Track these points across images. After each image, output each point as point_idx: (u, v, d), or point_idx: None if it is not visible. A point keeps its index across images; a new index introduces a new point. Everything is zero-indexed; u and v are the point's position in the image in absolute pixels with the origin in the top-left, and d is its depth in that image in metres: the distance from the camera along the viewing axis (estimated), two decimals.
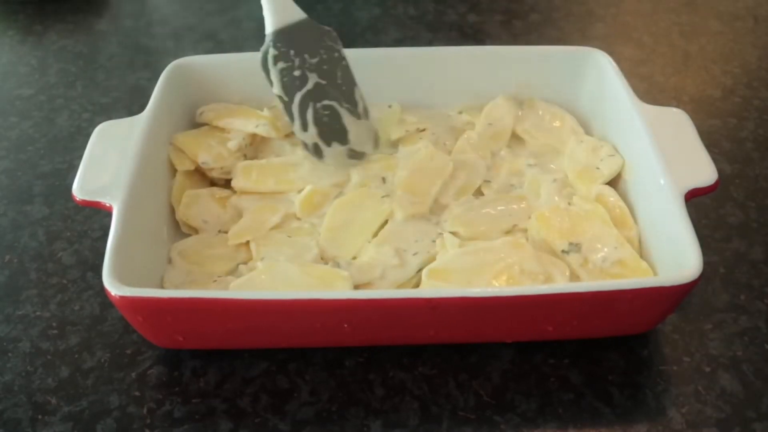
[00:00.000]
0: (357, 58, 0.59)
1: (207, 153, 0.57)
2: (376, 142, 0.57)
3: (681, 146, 0.51)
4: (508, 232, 0.53)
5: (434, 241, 0.52)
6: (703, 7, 0.85)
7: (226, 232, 0.53)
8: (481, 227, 0.53)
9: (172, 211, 0.55)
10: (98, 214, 0.58)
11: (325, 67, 0.55)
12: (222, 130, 0.59)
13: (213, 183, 0.58)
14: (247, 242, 0.53)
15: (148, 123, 0.53)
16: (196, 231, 0.54)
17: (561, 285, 0.47)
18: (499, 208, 0.54)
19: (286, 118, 0.56)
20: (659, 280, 0.45)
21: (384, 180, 0.56)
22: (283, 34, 0.53)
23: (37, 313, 0.52)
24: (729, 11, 0.84)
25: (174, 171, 0.56)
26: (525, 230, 0.53)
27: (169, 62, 0.59)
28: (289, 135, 0.60)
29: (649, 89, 0.72)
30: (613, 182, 0.55)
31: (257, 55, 0.61)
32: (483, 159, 0.58)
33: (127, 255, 0.45)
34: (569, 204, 0.54)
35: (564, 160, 0.57)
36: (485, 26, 0.82)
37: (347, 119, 0.56)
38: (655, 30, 0.81)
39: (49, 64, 0.77)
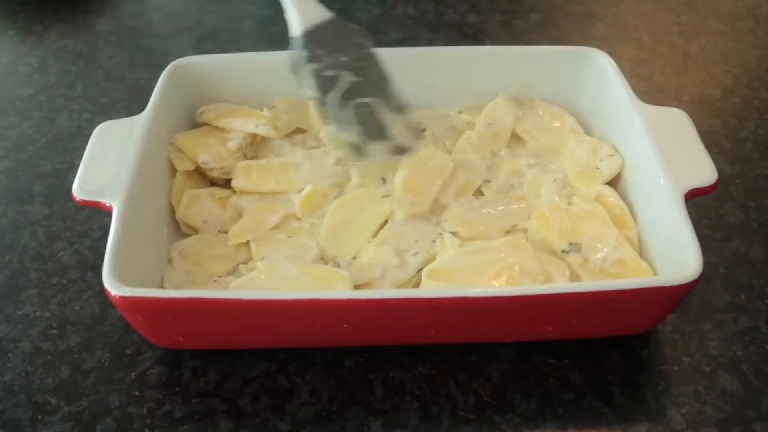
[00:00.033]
0: None
1: (207, 153, 0.57)
2: (416, 134, 0.56)
3: (681, 146, 0.51)
4: (508, 232, 0.53)
5: (434, 241, 0.52)
6: (703, 7, 0.85)
7: (226, 232, 0.53)
8: (481, 227, 0.53)
9: (172, 211, 0.55)
10: (98, 214, 0.58)
11: (357, 64, 0.53)
12: (222, 130, 0.59)
13: (213, 183, 0.58)
14: (247, 242, 0.53)
15: (148, 123, 0.53)
16: (196, 231, 0.54)
17: (561, 285, 0.47)
18: (499, 208, 0.54)
19: (322, 121, 0.54)
20: (659, 280, 0.45)
21: (384, 180, 0.56)
22: (313, 35, 0.52)
23: (37, 313, 0.52)
24: (729, 11, 0.84)
25: (174, 171, 0.56)
26: (525, 230, 0.53)
27: (169, 62, 0.59)
28: (289, 135, 0.60)
29: (649, 89, 0.72)
30: (613, 182, 0.55)
31: (257, 55, 0.61)
32: (483, 159, 0.58)
33: (127, 255, 0.45)
34: (569, 204, 0.54)
35: (564, 160, 0.57)
36: (485, 26, 0.82)
37: (387, 115, 0.54)
38: (655, 30, 0.81)
39: (49, 64, 0.77)
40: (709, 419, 0.46)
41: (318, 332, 0.46)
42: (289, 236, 0.53)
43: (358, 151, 0.54)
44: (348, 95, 0.53)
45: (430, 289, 0.48)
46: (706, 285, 0.53)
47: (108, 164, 0.50)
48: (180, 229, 0.55)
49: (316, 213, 0.54)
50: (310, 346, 0.49)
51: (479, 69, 0.60)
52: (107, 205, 0.48)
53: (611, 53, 0.59)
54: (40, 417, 0.46)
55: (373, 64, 0.54)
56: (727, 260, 0.55)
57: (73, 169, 0.59)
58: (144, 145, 0.52)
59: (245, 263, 0.52)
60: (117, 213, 0.47)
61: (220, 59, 0.61)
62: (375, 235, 0.53)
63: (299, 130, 0.60)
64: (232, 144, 0.58)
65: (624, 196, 0.54)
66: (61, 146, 0.66)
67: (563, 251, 0.50)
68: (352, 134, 0.53)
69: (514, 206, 0.54)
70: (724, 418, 0.46)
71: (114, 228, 0.46)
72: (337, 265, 0.51)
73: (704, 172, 0.49)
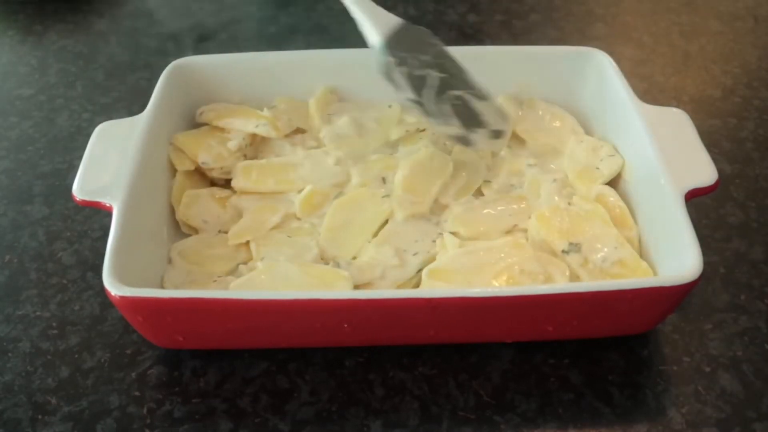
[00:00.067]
0: (357, 58, 0.59)
1: (207, 153, 0.57)
2: (505, 118, 0.57)
3: (681, 146, 0.51)
4: (508, 232, 0.53)
5: (434, 241, 0.52)
6: (703, 7, 0.85)
7: (226, 232, 0.53)
8: (481, 227, 0.53)
9: (172, 211, 0.55)
10: (98, 214, 0.58)
11: (437, 61, 0.55)
12: (222, 130, 0.59)
13: (213, 183, 0.58)
14: (247, 242, 0.53)
15: (148, 123, 0.53)
16: (196, 231, 0.54)
17: (561, 285, 0.47)
18: (499, 208, 0.54)
19: (426, 120, 0.55)
20: (659, 280, 0.45)
21: (384, 180, 0.56)
22: (392, 41, 0.53)
23: (37, 313, 0.52)
24: (729, 11, 0.84)
25: (174, 171, 0.56)
26: (525, 230, 0.53)
27: (169, 62, 0.59)
28: (289, 135, 0.60)
29: (649, 89, 0.72)
30: (613, 182, 0.55)
31: (257, 55, 0.61)
32: (483, 159, 0.58)
33: (127, 255, 0.45)
34: (569, 204, 0.54)
35: (564, 160, 0.57)
36: (485, 26, 0.82)
37: (476, 103, 0.55)
38: (655, 30, 0.81)
39: (49, 64, 0.77)
40: (709, 419, 0.46)
41: (318, 332, 0.46)
42: (289, 236, 0.53)
43: (465, 142, 0.55)
44: (440, 91, 0.54)
45: (430, 289, 0.48)
46: (706, 285, 0.53)
47: (108, 164, 0.50)
48: (180, 229, 0.55)
49: (316, 213, 0.54)
50: (310, 346, 0.49)
51: (479, 69, 0.59)
52: (107, 205, 0.48)
53: (611, 53, 0.59)
54: (40, 417, 0.46)
55: (450, 58, 0.55)
56: (727, 260, 0.55)
57: (73, 169, 0.59)
58: (144, 145, 0.52)
59: (245, 263, 0.52)
60: (117, 213, 0.47)
61: (220, 59, 0.61)
62: (375, 235, 0.53)
63: (299, 130, 0.60)
64: (232, 144, 0.58)
65: (624, 196, 0.53)
66: (61, 146, 0.66)
67: (563, 251, 0.50)
68: (454, 127, 0.54)
69: (514, 206, 0.54)
70: (724, 418, 0.46)
71: (114, 228, 0.46)
72: (337, 265, 0.51)
73: (704, 172, 0.49)
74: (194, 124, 0.60)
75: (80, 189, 0.49)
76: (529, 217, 0.53)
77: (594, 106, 0.60)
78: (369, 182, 0.56)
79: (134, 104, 0.70)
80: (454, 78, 0.55)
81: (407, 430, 0.45)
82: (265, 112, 0.59)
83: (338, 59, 0.61)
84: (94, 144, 0.52)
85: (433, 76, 0.54)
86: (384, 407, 0.46)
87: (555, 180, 0.55)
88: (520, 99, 0.61)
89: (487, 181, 0.56)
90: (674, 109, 0.55)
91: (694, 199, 0.48)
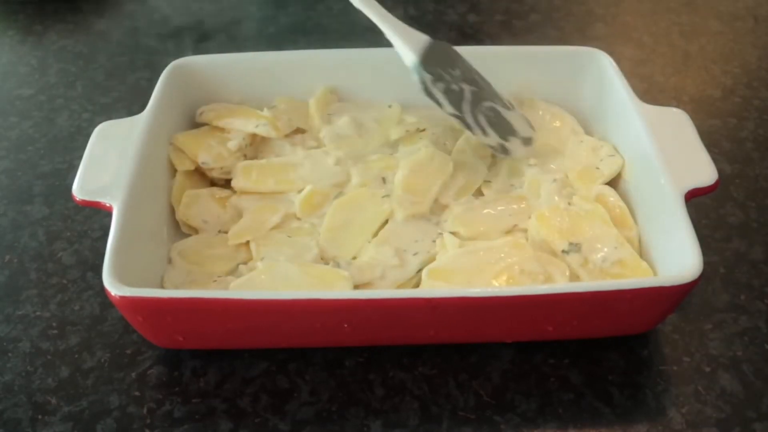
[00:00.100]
0: (357, 58, 0.59)
1: (207, 153, 0.57)
2: (530, 125, 0.58)
3: (681, 146, 0.51)
4: (508, 232, 0.53)
5: (434, 241, 0.52)
6: (703, 7, 0.85)
7: (226, 232, 0.53)
8: (481, 227, 0.53)
9: (172, 211, 0.55)
10: (98, 214, 0.58)
11: (466, 74, 0.56)
12: (222, 130, 0.59)
13: (213, 183, 0.58)
14: (247, 242, 0.53)
15: (148, 123, 0.53)
16: (196, 231, 0.54)
17: (561, 285, 0.47)
18: (499, 208, 0.54)
19: (468, 133, 0.56)
20: (659, 280, 0.45)
21: (384, 180, 0.56)
22: (426, 59, 0.54)
23: (37, 313, 0.52)
24: (729, 11, 0.84)
25: (174, 171, 0.56)
26: (525, 230, 0.53)
27: (169, 62, 0.59)
28: (289, 135, 0.60)
29: (649, 89, 0.72)
30: (613, 182, 0.55)
31: (257, 55, 0.61)
32: (483, 159, 0.58)
33: (127, 255, 0.45)
34: (569, 204, 0.54)
35: (564, 160, 0.57)
36: (485, 26, 0.82)
37: (505, 113, 0.57)
38: (655, 30, 0.81)
39: (49, 64, 0.77)
40: (709, 419, 0.46)
41: (318, 332, 0.46)
42: (289, 236, 0.53)
43: (503, 151, 0.56)
44: (475, 103, 0.55)
45: (430, 289, 0.48)
46: (706, 285, 0.53)
47: (108, 164, 0.50)
48: (180, 229, 0.55)
49: (316, 213, 0.54)
50: (310, 346, 0.49)
51: (479, 69, 0.60)
52: (107, 205, 0.48)
53: (611, 53, 0.59)
54: (40, 417, 0.46)
55: (475, 71, 0.57)
56: (727, 260, 0.55)
57: (73, 169, 0.59)
58: (144, 145, 0.52)
59: (245, 263, 0.52)
60: (117, 213, 0.47)
61: (220, 59, 0.61)
62: (375, 235, 0.53)
63: (299, 130, 0.60)
64: (232, 144, 0.58)
65: (624, 196, 0.53)
66: (61, 146, 0.66)
67: (563, 251, 0.50)
68: (493, 138, 0.56)
69: (514, 206, 0.54)
70: (724, 418, 0.46)
71: (114, 228, 0.46)
72: (337, 265, 0.51)
73: (704, 172, 0.49)
74: (194, 124, 0.60)
75: (80, 189, 0.49)
76: (529, 217, 0.53)
77: (594, 106, 0.60)
78: (369, 182, 0.56)
79: (134, 104, 0.70)
80: (483, 90, 0.56)
81: (407, 430, 0.45)
82: (265, 112, 0.59)
83: (338, 59, 0.61)
84: (94, 144, 0.52)
85: (467, 89, 0.55)
86: (384, 407, 0.46)
87: (555, 180, 0.55)
88: (520, 99, 0.61)
89: (487, 181, 0.56)
90: (674, 109, 0.55)
91: (694, 199, 0.48)
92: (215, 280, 0.51)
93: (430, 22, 0.82)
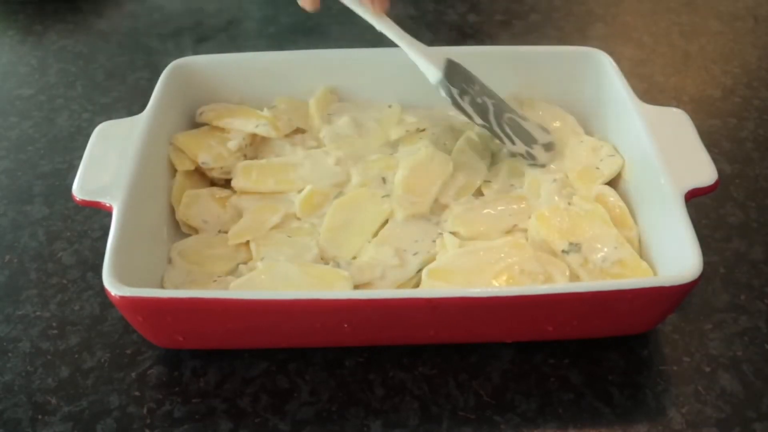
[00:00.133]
0: (357, 58, 0.59)
1: (207, 153, 0.57)
2: (547, 131, 0.59)
3: (681, 146, 0.51)
4: (508, 232, 0.53)
5: (434, 241, 0.52)
6: (703, 7, 0.85)
7: (226, 232, 0.53)
8: (481, 227, 0.53)
9: (172, 211, 0.55)
10: (98, 214, 0.58)
11: (484, 89, 0.57)
12: (222, 130, 0.59)
13: (213, 183, 0.58)
14: (247, 242, 0.53)
15: (148, 123, 0.53)
16: (196, 231, 0.54)
17: (561, 285, 0.47)
18: (499, 208, 0.54)
19: (498, 142, 0.57)
20: (659, 280, 0.45)
21: (384, 180, 0.56)
22: (449, 75, 0.55)
23: (37, 313, 0.52)
24: (729, 11, 0.84)
25: (174, 171, 0.56)
26: (525, 230, 0.53)
27: (169, 62, 0.59)
28: (289, 135, 0.60)
29: (649, 89, 0.72)
30: (613, 182, 0.55)
31: (257, 55, 0.61)
32: (483, 159, 0.58)
33: (127, 255, 0.45)
34: (569, 204, 0.54)
35: (564, 160, 0.57)
36: (485, 26, 0.82)
37: (523, 123, 0.58)
38: (655, 30, 0.81)
39: (49, 64, 0.77)
40: (709, 419, 0.46)
41: (318, 332, 0.46)
42: (289, 236, 0.53)
43: (531, 157, 0.57)
44: (498, 114, 0.57)
45: (430, 289, 0.48)
46: (706, 285, 0.53)
47: (108, 164, 0.50)
48: (180, 229, 0.55)
49: (316, 213, 0.54)
50: (310, 346, 0.49)
51: (479, 69, 0.60)
52: (107, 205, 0.48)
53: (611, 53, 0.59)
54: (40, 417, 0.46)
55: (486, 86, 0.58)
56: (727, 260, 0.55)
57: (73, 169, 0.59)
58: (144, 145, 0.52)
59: (245, 263, 0.52)
60: (117, 213, 0.47)
61: (220, 59, 0.61)
62: (375, 235, 0.53)
63: (299, 130, 0.60)
64: (232, 144, 0.58)
65: (624, 196, 0.54)
66: (61, 146, 0.66)
67: (563, 251, 0.50)
68: (520, 146, 0.57)
69: (514, 206, 0.54)
70: (724, 418, 0.46)
71: (114, 228, 0.46)
72: (337, 265, 0.51)
73: (704, 172, 0.49)
74: (194, 124, 0.60)
75: (80, 189, 0.49)
76: (529, 217, 0.53)
77: (594, 106, 0.60)
78: (369, 182, 0.56)
79: (134, 104, 0.70)
80: (500, 103, 0.58)
81: (407, 430, 0.45)
82: (265, 112, 0.59)
83: (338, 59, 0.61)
84: (94, 144, 0.52)
85: (488, 102, 0.57)
86: (384, 407, 0.46)
87: (555, 180, 0.55)
88: (520, 99, 0.61)
89: (487, 181, 0.56)
90: (674, 109, 0.55)
91: (694, 199, 0.48)
92: (215, 280, 0.51)
93: (430, 22, 0.82)
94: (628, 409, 0.46)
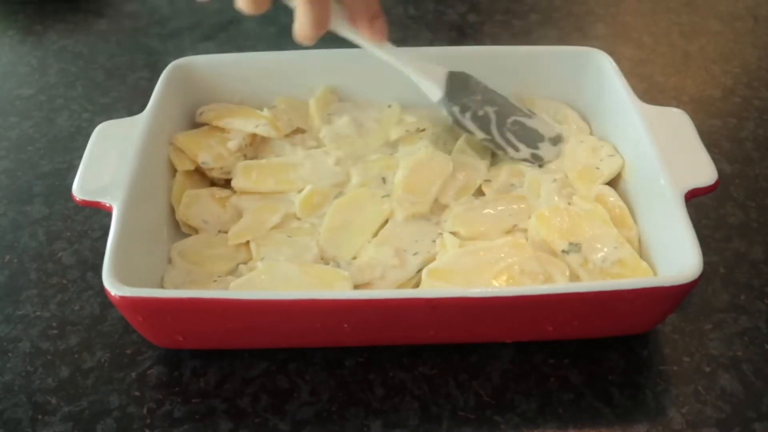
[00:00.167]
0: (357, 58, 0.59)
1: (207, 153, 0.57)
2: (554, 122, 0.59)
3: (681, 146, 0.51)
4: (508, 232, 0.53)
5: (434, 241, 0.52)
6: (703, 7, 0.85)
7: (226, 232, 0.53)
8: (481, 227, 0.53)
9: (172, 211, 0.55)
10: (98, 214, 0.58)
11: (486, 97, 0.58)
12: (222, 130, 0.59)
13: (213, 183, 0.58)
14: (247, 242, 0.53)
15: (148, 123, 0.53)
16: (196, 231, 0.54)
17: (561, 285, 0.47)
18: (499, 208, 0.54)
19: (500, 153, 0.57)
20: (659, 280, 0.45)
21: (384, 180, 0.56)
22: (449, 91, 0.56)
23: (37, 313, 0.52)
24: (729, 11, 0.84)
25: (174, 171, 0.56)
26: (525, 230, 0.53)
27: (169, 62, 0.59)
28: (289, 135, 0.60)
29: (649, 89, 0.72)
30: (613, 182, 0.55)
31: (257, 55, 0.61)
32: (483, 159, 0.58)
33: (127, 255, 0.45)
34: (569, 204, 0.54)
35: (564, 160, 0.57)
36: (485, 26, 0.82)
37: (528, 121, 0.58)
38: (655, 30, 0.81)
39: (49, 64, 0.77)
40: (709, 419, 0.46)
41: (318, 332, 0.46)
42: (289, 236, 0.53)
43: (537, 159, 0.57)
44: (501, 123, 0.57)
45: (430, 289, 0.48)
46: (706, 285, 0.53)
47: (108, 164, 0.50)
48: (180, 229, 0.55)
49: (316, 213, 0.54)
50: (310, 346, 0.49)
51: (479, 69, 0.60)
52: (107, 205, 0.48)
53: (611, 53, 0.59)
54: (40, 417, 0.46)
55: (491, 90, 0.58)
56: (727, 260, 0.55)
57: (73, 169, 0.59)
58: (144, 145, 0.52)
59: (245, 263, 0.52)
60: (117, 213, 0.47)
61: (220, 59, 0.61)
62: (375, 235, 0.53)
63: (299, 130, 0.60)
64: (232, 144, 0.58)
65: (624, 196, 0.54)
66: (61, 146, 0.66)
67: (563, 251, 0.50)
68: (524, 152, 0.57)
69: (514, 206, 0.54)
70: (724, 418, 0.46)
71: (114, 228, 0.46)
72: (337, 265, 0.51)
73: (704, 172, 0.49)
74: (194, 124, 0.60)
75: (80, 189, 0.49)
76: (529, 217, 0.53)
77: (594, 106, 0.60)
78: (369, 182, 0.56)
79: (134, 104, 0.70)
80: (503, 107, 0.58)
81: (407, 430, 0.45)
82: (265, 112, 0.59)
83: (338, 59, 0.61)
84: (94, 144, 0.52)
85: (490, 111, 0.57)
86: (384, 407, 0.46)
87: (555, 180, 0.55)
88: (520, 99, 0.61)
89: (487, 181, 0.56)
90: (674, 109, 0.55)
91: (694, 199, 0.48)
92: (215, 280, 0.51)
93: (430, 22, 0.82)
94: (628, 409, 0.46)
